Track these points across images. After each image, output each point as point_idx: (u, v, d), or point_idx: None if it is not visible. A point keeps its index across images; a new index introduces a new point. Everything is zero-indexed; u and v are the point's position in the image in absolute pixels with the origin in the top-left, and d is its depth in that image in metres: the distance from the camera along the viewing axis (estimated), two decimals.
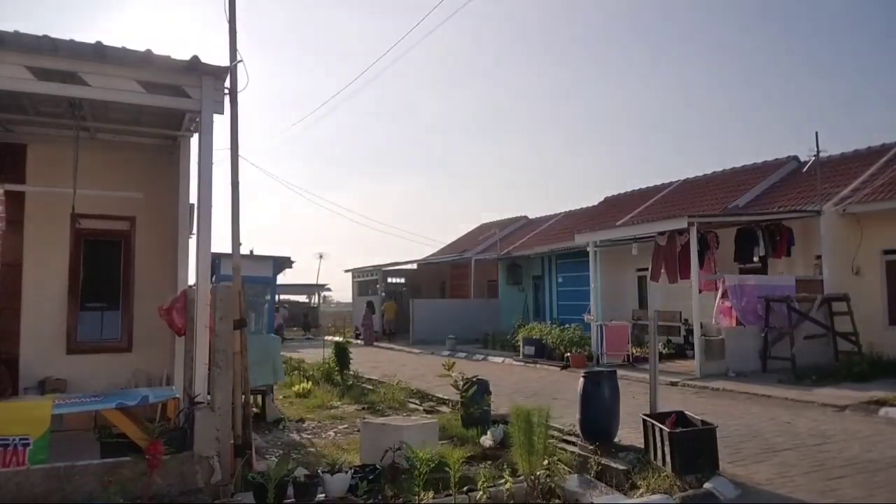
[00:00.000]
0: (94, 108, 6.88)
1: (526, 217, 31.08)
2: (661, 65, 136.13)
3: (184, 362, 6.90)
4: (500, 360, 17.84)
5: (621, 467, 6.09)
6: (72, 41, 5.21)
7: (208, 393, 5.48)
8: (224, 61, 5.96)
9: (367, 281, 31.74)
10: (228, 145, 6.17)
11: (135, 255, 8.15)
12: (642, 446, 6.43)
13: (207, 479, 5.13)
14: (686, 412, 6.49)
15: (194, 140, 7.50)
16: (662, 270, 15.08)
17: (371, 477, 5.19)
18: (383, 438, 6.10)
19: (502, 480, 5.45)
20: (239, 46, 6.16)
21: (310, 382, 12.14)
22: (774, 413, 9.09)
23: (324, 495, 5.01)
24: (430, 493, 5.05)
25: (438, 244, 40.23)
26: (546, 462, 5.67)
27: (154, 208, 8.03)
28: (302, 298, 43.92)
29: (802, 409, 9.42)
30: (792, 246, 14.92)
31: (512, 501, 5.26)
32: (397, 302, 29.55)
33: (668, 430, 5.89)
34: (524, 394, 11.16)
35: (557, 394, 10.80)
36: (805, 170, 16.13)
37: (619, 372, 7.93)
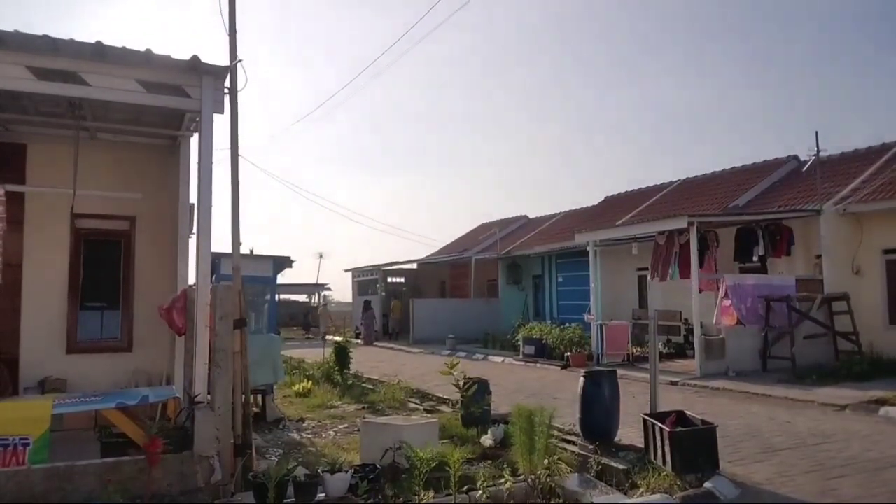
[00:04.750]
0: (94, 107, 6.87)
1: (526, 217, 31.02)
2: (661, 65, 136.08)
3: (184, 362, 6.91)
4: (500, 359, 17.84)
5: (621, 467, 6.09)
6: (72, 41, 5.21)
7: (208, 392, 5.48)
8: (219, 54, 5.96)
9: (367, 281, 31.69)
10: (228, 145, 6.18)
11: (135, 255, 8.15)
12: (642, 446, 6.43)
13: (207, 479, 5.13)
14: (686, 412, 6.49)
15: (194, 140, 7.50)
16: (662, 270, 15.08)
17: (371, 476, 5.18)
18: (384, 438, 6.10)
19: (502, 480, 5.45)
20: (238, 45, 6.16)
21: (310, 382, 12.13)
22: (774, 412, 9.09)
23: (324, 495, 5.01)
24: (431, 493, 5.05)
25: (438, 244, 40.25)
26: (546, 461, 5.67)
27: (154, 208, 8.03)
28: (302, 298, 43.96)
29: (802, 408, 9.42)
30: (792, 245, 14.91)
31: (512, 501, 5.26)
32: (402, 301, 29.55)
33: (668, 429, 5.90)
34: (524, 393, 11.15)
35: (557, 393, 10.81)
36: (805, 169, 16.12)
37: (619, 371, 7.95)
